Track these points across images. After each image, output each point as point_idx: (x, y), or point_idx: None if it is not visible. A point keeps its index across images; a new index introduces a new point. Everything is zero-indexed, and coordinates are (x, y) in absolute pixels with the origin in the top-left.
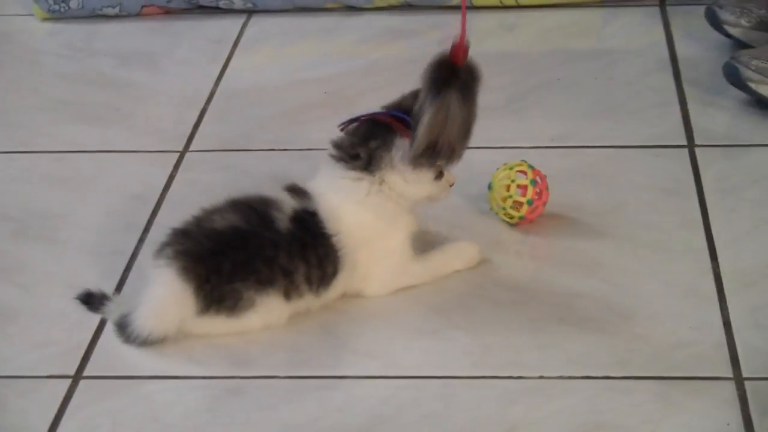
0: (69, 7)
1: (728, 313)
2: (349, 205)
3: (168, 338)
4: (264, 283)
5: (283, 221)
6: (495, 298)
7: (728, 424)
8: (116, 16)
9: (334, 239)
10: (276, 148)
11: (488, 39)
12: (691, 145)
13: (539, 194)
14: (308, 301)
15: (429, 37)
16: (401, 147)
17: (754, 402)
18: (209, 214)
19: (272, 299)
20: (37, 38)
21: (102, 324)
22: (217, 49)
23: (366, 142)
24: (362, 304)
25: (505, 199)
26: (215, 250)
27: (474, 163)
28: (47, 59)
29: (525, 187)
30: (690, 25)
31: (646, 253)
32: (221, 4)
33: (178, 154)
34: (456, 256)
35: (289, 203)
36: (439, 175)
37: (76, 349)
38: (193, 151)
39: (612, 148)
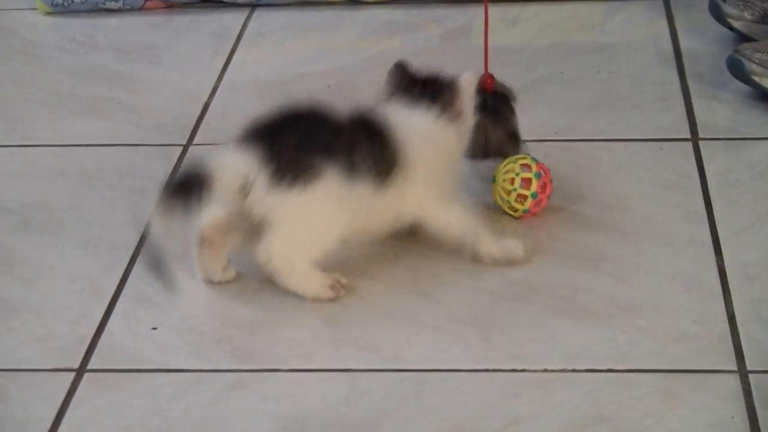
0: (72, 1)
1: (732, 306)
2: (419, 122)
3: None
4: (329, 154)
5: (346, 115)
6: (497, 290)
7: (732, 417)
8: (119, 10)
9: (394, 139)
10: None
11: (491, 32)
12: (694, 139)
13: (543, 187)
14: (366, 199)
15: (430, 32)
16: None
17: (758, 395)
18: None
19: (336, 174)
20: (39, 32)
21: (106, 317)
22: (219, 43)
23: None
24: (364, 298)
25: (509, 192)
26: (277, 126)
27: None
28: (49, 53)
29: (529, 181)
30: (693, 18)
31: (649, 247)
32: None
33: (182, 147)
34: (500, 247)
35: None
36: None
37: (79, 342)
38: (196, 144)
39: (615, 141)
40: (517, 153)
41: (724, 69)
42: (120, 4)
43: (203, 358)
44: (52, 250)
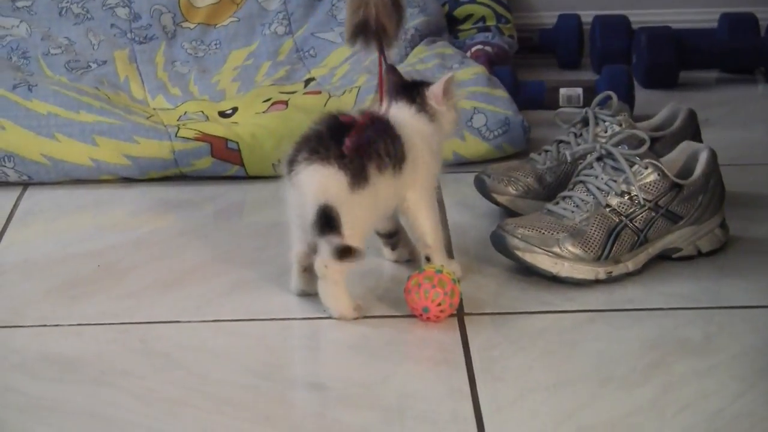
0: None
1: None
2: (406, 116)
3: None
4: (371, 158)
5: (360, 117)
6: None
7: None
8: None
9: (398, 130)
10: (48, 324)
11: None
12: (460, 314)
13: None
14: (389, 184)
15: (203, 209)
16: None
17: None
18: (308, 130)
19: (378, 172)
20: None
21: None
22: None
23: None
24: None
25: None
26: (334, 138)
27: None
28: None
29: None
30: (461, 192)
31: (412, 425)
32: None
33: None
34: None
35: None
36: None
37: None
38: None
39: (382, 318)
40: (399, 28)
41: (490, 243)
42: None
43: None
44: None
